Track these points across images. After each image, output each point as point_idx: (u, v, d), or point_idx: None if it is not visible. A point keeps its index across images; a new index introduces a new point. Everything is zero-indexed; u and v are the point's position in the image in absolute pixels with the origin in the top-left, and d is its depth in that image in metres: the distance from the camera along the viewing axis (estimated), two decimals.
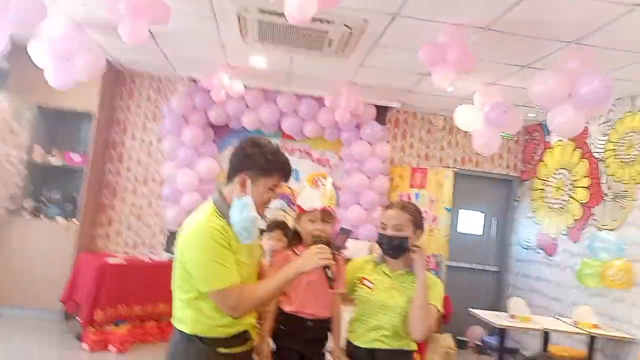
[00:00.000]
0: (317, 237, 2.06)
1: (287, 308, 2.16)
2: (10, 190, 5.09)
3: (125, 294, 4.74)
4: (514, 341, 5.83)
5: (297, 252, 2.12)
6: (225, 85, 5.16)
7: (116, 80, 6.01)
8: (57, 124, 5.77)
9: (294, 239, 2.24)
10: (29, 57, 4.18)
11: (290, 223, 2.56)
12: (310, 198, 2.20)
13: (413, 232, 2.15)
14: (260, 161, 1.85)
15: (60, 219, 5.41)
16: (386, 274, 2.18)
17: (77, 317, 4.76)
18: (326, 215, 2.18)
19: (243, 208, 1.81)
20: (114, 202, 6.05)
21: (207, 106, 5.74)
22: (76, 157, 5.52)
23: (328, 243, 2.11)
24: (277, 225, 3.24)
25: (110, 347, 4.55)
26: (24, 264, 5.23)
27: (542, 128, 6.15)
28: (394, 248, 2.13)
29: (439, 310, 2.11)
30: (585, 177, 5.14)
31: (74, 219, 5.42)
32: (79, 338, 4.66)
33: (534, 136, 6.33)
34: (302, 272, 1.85)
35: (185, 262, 1.80)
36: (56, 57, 4.00)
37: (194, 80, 5.75)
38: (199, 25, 4.10)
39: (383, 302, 2.11)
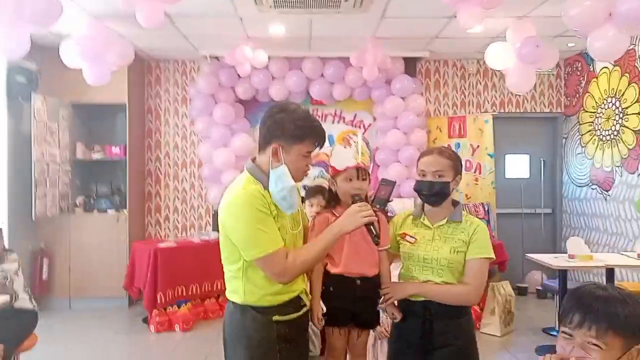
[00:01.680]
0: (356, 195, 2.00)
1: (334, 270, 2.13)
2: (60, 189, 5.28)
3: (181, 275, 4.90)
4: (576, 282, 5.66)
5: (336, 214, 2.07)
6: (249, 58, 5.10)
7: (142, 68, 6.07)
8: (92, 119, 5.91)
9: (332, 200, 2.19)
10: (57, 56, 4.26)
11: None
12: (343, 157, 2.13)
13: (453, 176, 2.05)
14: (290, 128, 1.79)
15: (110, 211, 5.60)
16: (427, 226, 2.10)
17: (141, 302, 4.96)
18: (362, 172, 2.11)
19: (279, 178, 1.78)
20: (158, 189, 6.19)
21: (233, 82, 5.71)
22: (116, 150, 5.65)
23: (367, 200, 2.06)
24: (317, 191, 3.21)
25: (175, 326, 4.73)
26: (83, 258, 5.47)
27: (583, 58, 5.78)
28: (435, 194, 2.05)
29: (488, 259, 2.02)
30: (636, 102, 4.82)
31: (123, 210, 5.59)
32: (146, 321, 4.88)
33: (576, 67, 5.97)
34: (345, 232, 1.81)
35: (228, 233, 1.79)
36: (89, 56, 4.08)
37: (217, 58, 5.72)
38: (214, 0, 4.02)
39: (427, 256, 2.04)
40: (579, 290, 1.30)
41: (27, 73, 4.96)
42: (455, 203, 2.11)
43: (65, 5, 3.31)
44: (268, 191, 1.81)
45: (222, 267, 1.91)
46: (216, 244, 1.92)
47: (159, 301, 4.71)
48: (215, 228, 5.83)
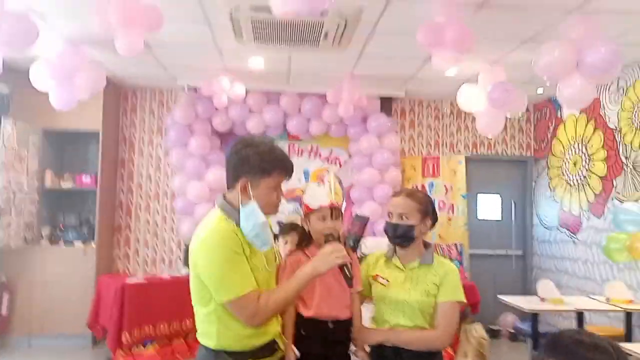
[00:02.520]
0: (330, 235, 1.98)
1: (306, 313, 2.07)
2: (25, 219, 5.09)
3: (149, 313, 4.69)
4: (547, 325, 5.67)
5: (309, 254, 2.03)
6: (226, 90, 5.12)
7: (117, 96, 6.01)
8: (64, 146, 5.79)
9: (304, 240, 2.15)
10: (30, 80, 4.18)
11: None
12: (317, 195, 2.10)
13: (420, 220, 2.05)
14: (256, 162, 1.76)
15: (77, 244, 5.41)
16: (399, 268, 2.09)
17: (105, 341, 4.73)
18: (335, 211, 2.08)
19: (249, 215, 1.74)
20: (129, 221, 6.04)
21: (210, 114, 5.71)
22: (87, 179, 5.51)
23: (340, 239, 2.03)
24: (292, 228, 3.16)
25: None
26: (46, 292, 5.22)
27: (552, 104, 5.99)
28: (400, 237, 2.04)
29: (459, 302, 2.01)
30: (601, 148, 4.98)
31: (91, 242, 5.41)
32: None
33: (544, 113, 6.18)
34: (319, 274, 1.79)
35: (199, 273, 1.73)
36: (57, 78, 4.00)
37: (195, 89, 5.72)
38: (193, 30, 4.06)
39: (399, 298, 2.02)
40: (561, 335, 1.28)
41: None
42: (426, 245, 2.11)
43: (41, 28, 3.27)
44: (240, 229, 1.77)
45: (192, 306, 1.84)
46: (186, 280, 1.86)
47: (124, 341, 4.47)
48: (186, 263, 5.68)
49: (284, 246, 3.09)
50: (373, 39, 4.16)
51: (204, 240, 1.74)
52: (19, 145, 4.97)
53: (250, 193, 1.77)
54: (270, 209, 1.83)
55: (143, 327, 4.65)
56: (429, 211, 2.07)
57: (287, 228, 3.18)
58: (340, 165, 6.18)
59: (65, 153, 5.82)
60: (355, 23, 3.75)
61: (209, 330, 1.76)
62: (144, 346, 4.67)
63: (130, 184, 6.07)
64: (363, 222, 2.02)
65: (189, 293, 1.83)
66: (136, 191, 6.07)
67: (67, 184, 5.53)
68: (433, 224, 2.11)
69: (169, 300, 4.78)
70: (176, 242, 6.06)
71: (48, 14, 3.76)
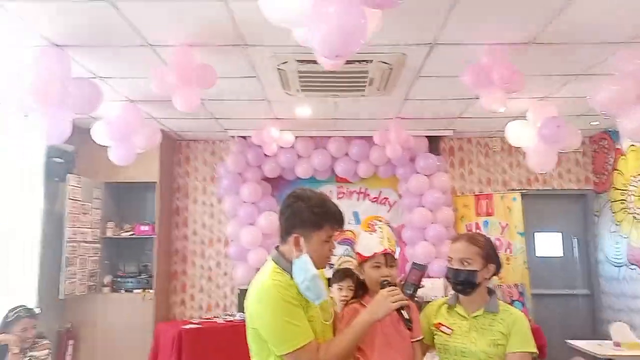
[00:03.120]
0: (385, 281, 1.96)
1: None
2: (89, 268, 5.33)
3: (205, 358, 4.74)
4: None
5: (365, 304, 2.01)
6: (275, 138, 5.26)
7: (172, 148, 6.28)
8: (123, 197, 6.06)
9: (360, 289, 2.14)
10: (91, 137, 4.47)
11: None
12: (369, 243, 2.10)
13: (483, 265, 2.00)
14: (308, 216, 1.80)
15: (137, 291, 5.59)
16: (462, 317, 2.03)
17: None
18: (389, 258, 2.07)
19: (300, 269, 1.77)
20: (184, 268, 6.19)
21: (260, 161, 5.85)
22: (145, 228, 5.73)
23: (396, 286, 2.01)
24: (346, 274, 3.14)
25: None
26: (108, 338, 5.38)
27: (609, 135, 5.76)
28: (461, 283, 1.99)
29: (530, 353, 1.92)
30: None
31: (149, 290, 5.58)
32: None
33: (602, 144, 5.94)
34: (376, 320, 1.77)
35: (256, 327, 1.75)
36: (116, 137, 4.25)
37: (245, 138, 5.90)
38: (243, 84, 4.23)
39: (464, 349, 1.95)
40: None
41: (65, 154, 5.18)
42: (491, 292, 2.04)
43: (104, 89, 3.52)
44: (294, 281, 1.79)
45: (247, 350, 1.85)
46: (241, 325, 1.89)
47: None
48: (240, 309, 5.74)
49: (338, 293, 3.07)
50: (418, 82, 4.18)
51: (260, 293, 1.76)
52: (83, 198, 5.26)
53: (303, 247, 1.78)
54: (322, 261, 1.85)
55: None
56: (491, 256, 2.02)
57: (340, 274, 3.15)
58: (390, 206, 6.14)
59: (125, 204, 6.10)
60: (400, 68, 3.80)
61: None
62: None
63: (186, 231, 6.25)
64: (421, 270, 1.99)
65: (244, 337, 1.85)
66: (191, 238, 6.24)
67: (126, 234, 5.77)
68: (497, 271, 2.05)
69: (225, 345, 4.81)
70: (230, 287, 6.13)
71: (110, 78, 4.04)
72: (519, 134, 4.36)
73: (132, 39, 3.26)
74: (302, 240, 1.80)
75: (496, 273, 2.05)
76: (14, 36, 3.18)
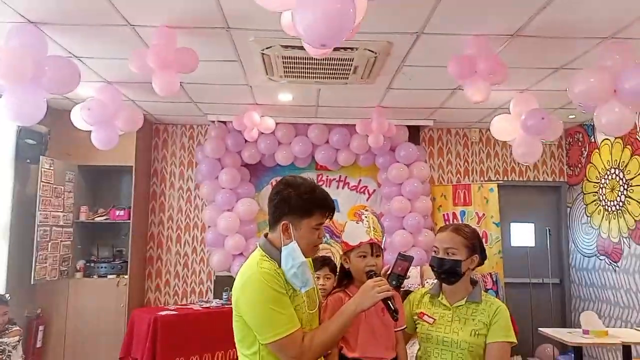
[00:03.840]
0: (371, 271, 1.96)
1: (350, 354, 2.03)
2: (60, 252, 5.19)
3: (181, 345, 4.67)
4: (591, 358, 5.46)
5: (350, 293, 2.01)
6: (256, 124, 5.19)
7: (150, 132, 6.15)
8: (98, 181, 5.93)
9: (344, 278, 2.13)
10: (67, 119, 4.34)
11: (337, 257, 2.46)
12: (356, 232, 2.09)
13: (467, 255, 2.01)
14: (297, 203, 1.78)
15: (111, 276, 5.48)
16: (445, 306, 2.05)
17: None
18: (376, 248, 2.07)
19: (289, 255, 1.75)
20: (160, 253, 6.10)
21: (239, 147, 5.78)
22: (120, 213, 5.61)
23: (382, 276, 2.01)
24: (323, 262, 3.14)
25: None
26: (80, 325, 5.28)
27: (584, 129, 5.89)
28: (446, 272, 2.01)
29: (510, 343, 1.95)
30: None
31: (124, 275, 5.48)
32: None
33: (577, 138, 6.07)
34: (362, 310, 1.77)
35: (242, 314, 1.73)
36: (98, 121, 4.13)
37: (224, 123, 5.82)
38: (225, 69, 4.15)
39: (446, 338, 1.97)
40: None
41: (37, 136, 5.01)
42: (474, 282, 2.07)
43: (80, 69, 3.39)
44: (282, 269, 1.77)
45: (224, 339, 1.85)
46: (217, 312, 1.88)
47: None
48: (216, 295, 5.70)
49: (315, 281, 3.05)
50: (401, 72, 4.17)
51: (247, 280, 1.74)
52: (55, 181, 5.11)
53: (292, 233, 1.77)
54: (310, 249, 1.84)
55: (175, 359, 4.64)
56: (476, 247, 2.04)
57: (318, 263, 3.12)
58: (369, 195, 6.16)
59: (100, 188, 5.96)
60: (385, 57, 3.78)
61: None
62: None
63: (162, 217, 6.15)
64: (407, 261, 1.99)
65: (220, 325, 1.85)
66: (167, 223, 6.14)
67: (101, 218, 5.64)
68: (482, 261, 2.07)
69: (201, 332, 4.77)
70: (206, 273, 6.08)
71: (88, 59, 3.90)
72: (502, 127, 4.40)
73: (113, 18, 3.15)
74: (291, 227, 1.78)
75: (480, 264, 2.07)
76: None
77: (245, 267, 1.81)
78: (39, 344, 5.10)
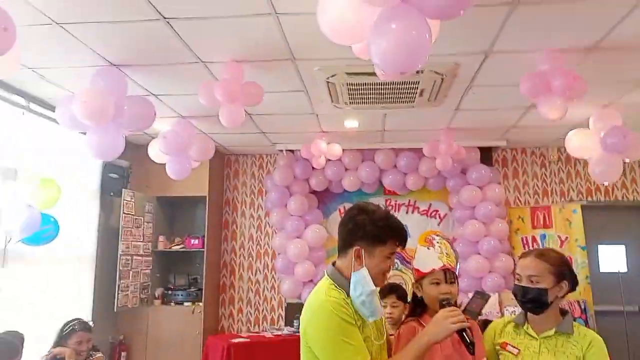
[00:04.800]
0: (445, 300, 1.87)
1: None
2: (141, 281, 5.44)
3: None
4: None
5: (423, 323, 1.92)
6: (323, 151, 5.23)
7: (221, 162, 6.37)
8: (174, 211, 6.20)
9: (418, 307, 2.05)
10: (145, 153, 4.59)
11: (409, 284, 2.37)
12: (427, 258, 2.01)
13: (554, 283, 1.87)
14: (371, 230, 1.75)
15: (187, 304, 5.66)
16: (531, 337, 1.90)
17: None
18: (449, 274, 1.97)
19: (358, 282, 1.72)
20: (233, 280, 6.23)
21: (307, 174, 5.84)
22: (195, 241, 5.81)
23: (457, 305, 1.91)
24: (391, 289, 3.03)
25: None
26: (159, 351, 5.47)
27: None
28: (530, 301, 1.87)
29: None
30: None
31: (199, 303, 5.64)
32: None
33: None
34: (435, 341, 1.68)
35: (310, 344, 1.70)
36: (172, 151, 4.34)
37: (292, 151, 5.92)
38: (291, 99, 4.24)
39: None
40: None
41: (120, 170, 5.34)
42: (563, 312, 1.91)
43: (157, 106, 3.59)
44: (351, 298, 1.73)
45: None
46: (289, 339, 1.86)
47: None
48: (287, 322, 5.71)
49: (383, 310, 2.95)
50: (470, 92, 4.06)
51: (315, 309, 1.71)
52: (136, 212, 5.40)
53: (364, 260, 1.73)
54: (380, 278, 1.80)
55: None
56: (564, 273, 1.89)
57: (385, 289, 3.01)
58: (441, 219, 5.97)
59: (176, 217, 6.23)
60: (452, 79, 3.69)
61: None
62: None
63: (234, 245, 6.29)
64: (484, 299, 1.89)
65: (290, 351, 1.81)
66: (239, 251, 6.28)
67: (177, 247, 5.87)
68: (572, 288, 1.91)
69: (273, 359, 4.78)
70: (277, 300, 6.12)
71: (164, 96, 4.13)
72: (580, 144, 4.13)
73: (186, 56, 3.32)
74: (363, 253, 1.74)
75: (571, 290, 1.91)
76: (74, 56, 3.30)
77: (313, 296, 1.79)
78: None
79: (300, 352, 1.78)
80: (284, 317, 6.00)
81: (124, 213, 5.19)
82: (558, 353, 1.82)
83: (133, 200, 5.36)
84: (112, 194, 5.28)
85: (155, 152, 4.31)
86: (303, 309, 1.80)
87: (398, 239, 1.80)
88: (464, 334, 1.71)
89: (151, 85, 3.90)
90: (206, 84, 3.43)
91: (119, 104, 3.21)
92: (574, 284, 1.91)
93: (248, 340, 4.98)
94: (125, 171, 5.35)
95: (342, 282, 1.77)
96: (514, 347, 1.91)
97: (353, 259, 1.75)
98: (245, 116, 4.13)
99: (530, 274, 1.89)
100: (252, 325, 6.10)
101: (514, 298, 2.00)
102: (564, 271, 1.90)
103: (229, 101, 3.30)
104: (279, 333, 5.30)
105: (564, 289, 1.89)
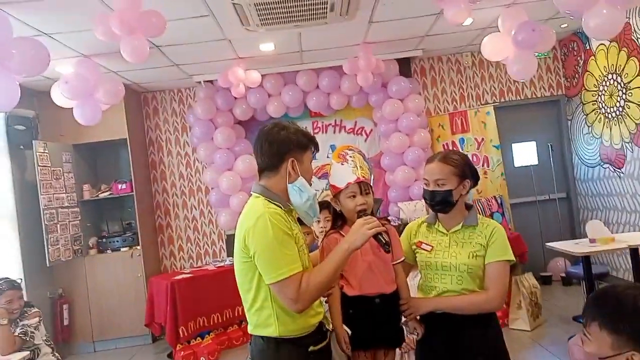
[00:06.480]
0: (362, 211, 1.95)
1: (351, 292, 2.06)
2: (71, 232, 5.27)
3: (201, 305, 4.84)
4: (601, 265, 5.54)
5: (344, 234, 2.01)
6: (242, 78, 5.09)
7: (138, 101, 6.08)
8: (95, 158, 5.93)
9: (338, 220, 2.13)
10: (52, 100, 4.28)
11: None
12: (342, 174, 2.07)
13: (458, 183, 1.99)
14: (296, 139, 1.85)
15: (124, 249, 5.58)
16: (442, 233, 2.05)
17: (164, 337, 4.91)
18: (364, 186, 2.05)
19: (300, 190, 1.82)
20: (169, 221, 6.18)
21: (230, 104, 5.71)
22: (123, 186, 5.64)
23: (373, 214, 2.00)
24: (322, 205, 3.15)
25: (201, 359, 4.67)
26: (102, 299, 5.46)
27: (579, 37, 5.70)
28: (439, 203, 2.00)
29: (508, 261, 1.96)
30: (638, 76, 4.73)
31: (136, 246, 5.57)
32: (171, 356, 4.83)
33: (572, 47, 5.89)
34: (355, 248, 1.77)
35: (252, 255, 1.72)
36: (78, 96, 4.06)
37: (211, 82, 5.72)
38: (199, 26, 4.03)
39: (445, 263, 1.98)
40: (602, 288, 1.31)
41: (26, 120, 4.98)
42: (469, 207, 2.06)
43: (53, 46, 3.30)
44: (286, 211, 1.80)
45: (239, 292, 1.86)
46: (232, 270, 1.89)
47: (181, 335, 4.66)
48: (230, 253, 5.80)
49: (316, 225, 3.09)
50: (380, 3, 4.01)
51: (256, 223, 1.72)
52: (52, 164, 5.12)
53: (298, 170, 1.83)
54: (309, 181, 1.89)
55: (197, 320, 4.81)
56: (466, 173, 2.01)
57: (319, 206, 3.14)
58: (367, 135, 6.10)
59: (98, 164, 5.97)
60: None
61: (266, 319, 1.75)
62: (202, 338, 4.83)
63: (165, 184, 6.18)
64: (377, 204, 2.00)
65: (235, 279, 1.85)
66: (171, 190, 6.18)
67: (104, 194, 5.68)
68: (474, 184, 2.05)
69: (218, 291, 4.90)
70: (217, 234, 6.17)
71: (59, 34, 3.79)
72: (493, 47, 4.24)
73: None
74: (296, 163, 1.83)
75: (474, 186, 2.05)
76: None
77: (251, 210, 1.79)
78: (66, 322, 5.30)
79: (239, 272, 1.81)
80: (225, 249, 6.09)
81: (39, 166, 4.90)
82: (465, 244, 1.98)
83: (46, 151, 5.05)
84: (21, 147, 4.95)
85: (60, 97, 4.01)
86: (239, 221, 1.82)
87: (314, 144, 1.92)
88: (380, 237, 1.82)
89: (40, 23, 3.56)
90: (101, 16, 3.17)
91: (5, 47, 2.92)
92: (476, 180, 2.05)
93: (190, 275, 5.04)
94: (32, 122, 5.01)
95: (275, 197, 1.82)
96: (427, 244, 2.06)
97: (289, 171, 1.82)
98: (152, 48, 3.93)
99: (436, 177, 2.00)
100: (195, 261, 6.16)
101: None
102: (465, 171, 2.01)
103: (128, 33, 3.08)
104: (222, 264, 5.39)
105: (467, 186, 2.02)
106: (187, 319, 4.71)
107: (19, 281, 3.44)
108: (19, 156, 4.99)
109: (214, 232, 6.18)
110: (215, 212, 6.05)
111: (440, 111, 6.15)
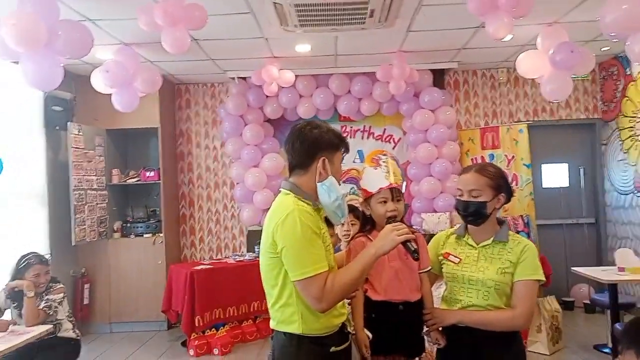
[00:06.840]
0: (391, 218, 1.95)
1: (375, 297, 2.05)
2: (97, 215, 5.39)
3: (218, 297, 4.88)
4: (627, 296, 5.39)
5: (372, 238, 2.01)
6: (275, 77, 5.14)
7: (172, 93, 6.18)
8: (126, 144, 6.05)
9: (367, 224, 2.13)
10: (90, 83, 4.39)
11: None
12: (374, 178, 2.07)
13: (493, 195, 1.97)
14: (329, 139, 1.85)
15: (147, 235, 5.68)
16: (471, 246, 2.02)
17: (179, 325, 4.97)
18: (396, 192, 2.04)
19: (329, 189, 1.81)
20: (192, 211, 6.25)
21: (261, 102, 5.76)
22: (150, 174, 5.73)
23: (403, 221, 2.00)
24: (349, 210, 3.14)
25: (214, 350, 4.72)
26: (122, 282, 5.57)
27: (619, 61, 5.58)
28: (471, 214, 1.98)
29: (538, 281, 1.93)
30: None
31: (159, 234, 5.66)
32: (185, 345, 4.89)
33: (611, 71, 5.77)
34: (382, 253, 1.76)
35: (280, 253, 1.72)
36: (117, 84, 4.16)
37: (244, 79, 5.78)
38: (239, 23, 4.08)
39: (472, 277, 1.96)
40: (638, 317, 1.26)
41: (63, 102, 5.11)
42: (500, 222, 2.03)
43: (96, 33, 3.39)
44: (315, 210, 1.81)
45: (259, 289, 1.86)
46: (251, 265, 1.91)
47: (197, 324, 4.70)
48: (250, 249, 5.85)
49: (340, 228, 3.08)
50: (420, 12, 4.01)
51: (285, 219, 1.72)
52: (85, 146, 5.24)
53: (329, 169, 1.83)
54: (339, 181, 1.90)
55: (213, 311, 4.86)
56: (501, 186, 1.98)
57: None
58: (395, 144, 6.09)
59: (129, 150, 6.09)
60: None
61: (290, 315, 1.75)
62: (217, 329, 4.87)
63: (191, 176, 6.26)
64: (404, 209, 1.98)
65: (255, 276, 1.87)
66: (197, 182, 6.26)
67: (132, 180, 5.79)
68: (508, 199, 2.02)
69: (235, 285, 4.94)
70: (238, 229, 6.22)
71: (102, 21, 3.89)
72: (530, 64, 4.19)
73: None
74: (327, 163, 1.83)
75: (507, 201, 2.03)
76: None
77: (280, 206, 1.80)
78: (86, 301, 5.41)
79: (265, 267, 1.82)
80: (245, 244, 6.14)
81: (72, 147, 5.03)
82: (494, 260, 1.95)
83: (81, 133, 5.18)
84: (57, 127, 5.08)
85: (99, 82, 4.11)
86: (268, 217, 1.83)
87: (345, 145, 1.92)
88: (409, 244, 1.81)
89: (86, 9, 3.65)
90: (145, 6, 3.24)
91: (51, 28, 3.01)
92: (509, 195, 2.02)
93: (210, 266, 5.09)
94: (69, 103, 5.14)
95: (305, 195, 1.82)
96: (456, 256, 2.03)
97: (319, 169, 1.82)
98: (191, 42, 3.98)
99: (471, 188, 1.97)
100: (215, 253, 6.23)
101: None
102: (501, 184, 1.99)
103: (170, 24, 3.15)
104: (241, 259, 5.43)
105: (501, 200, 1.99)
106: (203, 309, 4.75)
107: (47, 257, 3.53)
108: (54, 136, 5.13)
109: (236, 227, 6.23)
110: (238, 207, 6.10)
111: (472, 125, 6.09)
